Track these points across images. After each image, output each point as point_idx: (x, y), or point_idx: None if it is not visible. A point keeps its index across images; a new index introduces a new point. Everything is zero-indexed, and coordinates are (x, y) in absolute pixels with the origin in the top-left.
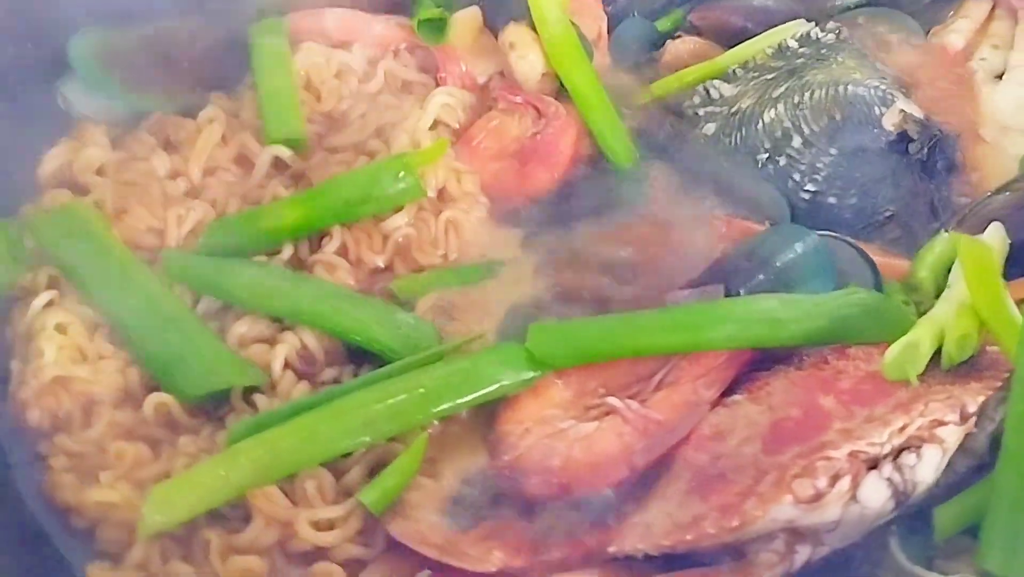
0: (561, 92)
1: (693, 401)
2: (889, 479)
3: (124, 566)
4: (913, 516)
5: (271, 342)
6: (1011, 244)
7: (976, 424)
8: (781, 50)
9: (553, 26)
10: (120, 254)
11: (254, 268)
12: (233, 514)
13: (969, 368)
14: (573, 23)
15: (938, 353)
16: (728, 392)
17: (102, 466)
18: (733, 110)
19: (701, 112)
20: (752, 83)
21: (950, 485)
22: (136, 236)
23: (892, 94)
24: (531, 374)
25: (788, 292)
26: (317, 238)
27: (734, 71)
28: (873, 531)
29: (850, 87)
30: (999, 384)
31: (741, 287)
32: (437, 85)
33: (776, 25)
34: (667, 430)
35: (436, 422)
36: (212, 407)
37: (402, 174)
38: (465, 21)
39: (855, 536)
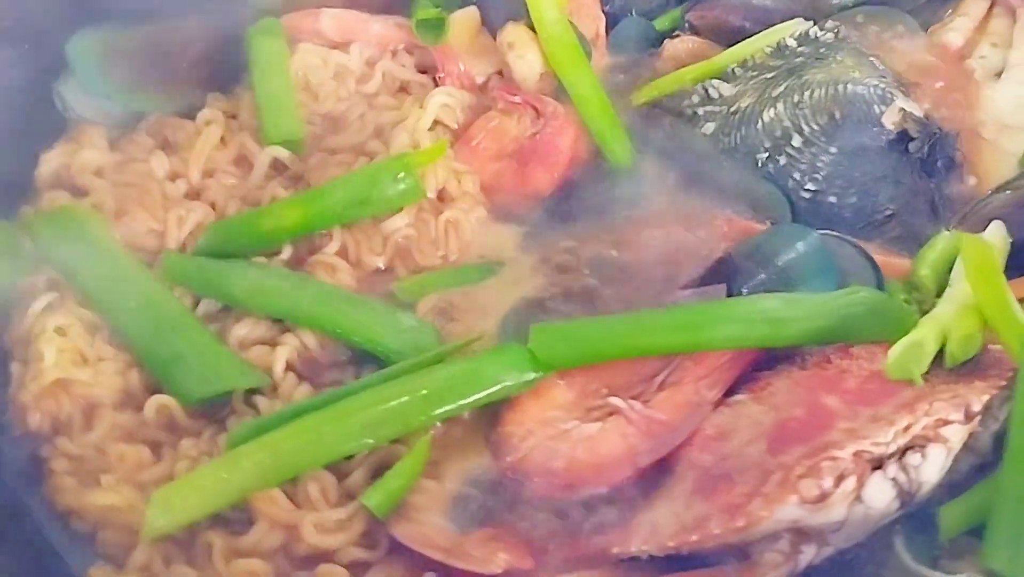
0: (560, 92)
1: (696, 401)
2: (894, 479)
3: (126, 570)
4: (917, 516)
5: (272, 344)
6: (1012, 243)
7: (980, 423)
8: (780, 49)
9: (551, 26)
10: (120, 256)
11: (254, 270)
12: (236, 517)
13: (972, 367)
14: (571, 23)
15: (941, 352)
16: (731, 392)
17: (103, 469)
18: (732, 109)
19: (700, 111)
20: (751, 82)
21: (953, 484)
22: (136, 238)
23: (892, 93)
24: (533, 375)
25: (790, 291)
26: (317, 239)
27: (733, 70)
28: (878, 531)
29: (850, 86)
30: (1003, 383)
31: (743, 287)
32: (435, 85)
33: (774, 24)
34: (670, 430)
35: (438, 424)
36: (213, 409)
37: (402, 175)
38: (463, 21)
39: (860, 536)
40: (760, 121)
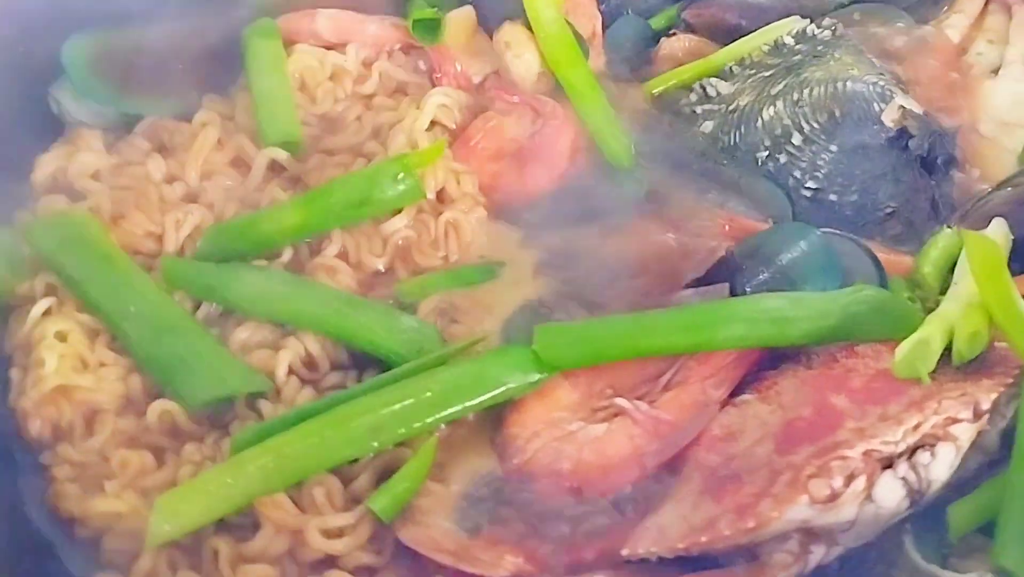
0: (557, 91)
1: (702, 401)
2: (904, 478)
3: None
4: (927, 514)
5: (274, 348)
6: (1014, 240)
7: (988, 421)
8: (777, 47)
9: (548, 25)
10: (119, 260)
11: (254, 273)
12: (241, 522)
13: (979, 365)
14: (568, 22)
15: (947, 350)
16: (736, 392)
17: (106, 475)
18: (731, 108)
19: (699, 110)
20: (749, 81)
21: (961, 482)
22: (134, 241)
23: (891, 90)
24: (538, 376)
25: (793, 290)
26: (317, 242)
27: (731, 69)
28: (887, 530)
29: (849, 83)
30: (1010, 380)
31: (746, 285)
32: (433, 86)
33: (770, 22)
34: (677, 431)
35: (443, 426)
36: (216, 414)
37: (401, 176)
38: (459, 21)
39: (869, 536)
40: (759, 119)
